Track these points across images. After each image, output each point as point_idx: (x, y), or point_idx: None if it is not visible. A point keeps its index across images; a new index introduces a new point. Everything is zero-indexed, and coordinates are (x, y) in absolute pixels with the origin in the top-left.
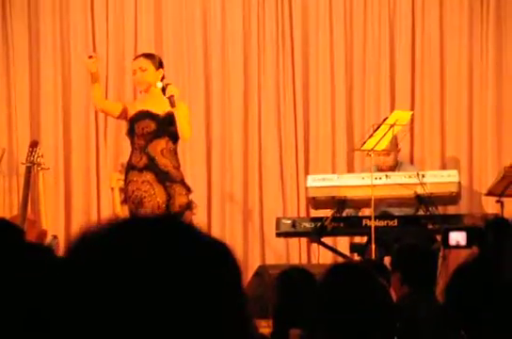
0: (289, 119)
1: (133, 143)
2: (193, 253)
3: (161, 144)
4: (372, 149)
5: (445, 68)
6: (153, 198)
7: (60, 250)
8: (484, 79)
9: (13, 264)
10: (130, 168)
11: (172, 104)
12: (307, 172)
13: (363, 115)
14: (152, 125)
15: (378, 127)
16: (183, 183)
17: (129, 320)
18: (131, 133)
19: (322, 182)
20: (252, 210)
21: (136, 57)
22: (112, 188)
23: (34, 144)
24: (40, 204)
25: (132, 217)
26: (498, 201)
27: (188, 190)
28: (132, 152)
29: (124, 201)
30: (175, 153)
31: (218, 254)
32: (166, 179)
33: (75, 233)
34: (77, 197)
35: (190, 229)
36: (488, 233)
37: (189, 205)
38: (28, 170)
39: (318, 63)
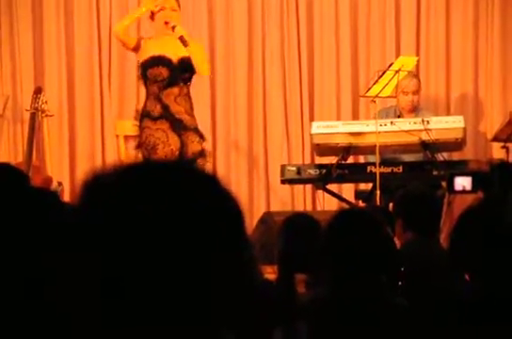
0: (293, 64)
1: (146, 89)
2: (196, 198)
3: (174, 92)
4: (376, 95)
5: (451, 13)
6: (167, 145)
7: (65, 196)
8: (489, 23)
9: (19, 208)
10: (145, 115)
11: (185, 44)
12: (311, 119)
13: (368, 61)
14: (164, 73)
15: (383, 73)
16: (196, 130)
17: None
18: (144, 78)
19: (326, 129)
20: (257, 157)
21: None
22: (117, 135)
23: (38, 91)
24: (44, 151)
25: (145, 160)
26: (503, 147)
27: (202, 138)
28: (146, 98)
29: (138, 147)
30: (189, 97)
31: (220, 198)
32: (180, 127)
33: (83, 177)
34: (82, 144)
35: (197, 174)
36: (493, 177)
37: (202, 153)
38: (33, 117)
39: (323, 9)
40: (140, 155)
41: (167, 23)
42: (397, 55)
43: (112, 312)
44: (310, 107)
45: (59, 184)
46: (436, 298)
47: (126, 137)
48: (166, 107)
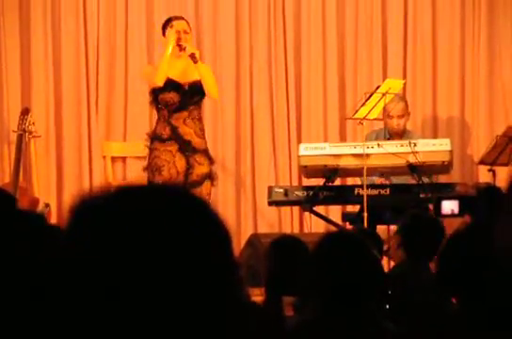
0: (281, 86)
1: (158, 113)
2: (181, 222)
3: (183, 114)
4: (364, 117)
5: (437, 35)
6: (172, 166)
7: (52, 217)
8: (476, 47)
9: (5, 231)
10: (155, 137)
11: (194, 60)
12: (299, 141)
13: (356, 83)
14: (175, 98)
15: (371, 96)
16: (205, 152)
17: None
18: (155, 103)
19: (314, 150)
20: (244, 179)
21: (179, 19)
22: (104, 157)
23: (25, 112)
24: (31, 172)
25: (133, 184)
26: (490, 170)
27: (210, 160)
28: (157, 122)
29: (145, 169)
30: (199, 120)
31: (208, 222)
32: (188, 149)
33: (71, 200)
34: (69, 165)
35: (186, 197)
36: (480, 201)
37: (210, 176)
38: (20, 138)
39: (310, 30)
40: (146, 177)
41: (179, 45)
42: (384, 77)
43: None
44: (297, 129)
45: (46, 205)
46: (422, 320)
47: (113, 158)
48: (174, 129)
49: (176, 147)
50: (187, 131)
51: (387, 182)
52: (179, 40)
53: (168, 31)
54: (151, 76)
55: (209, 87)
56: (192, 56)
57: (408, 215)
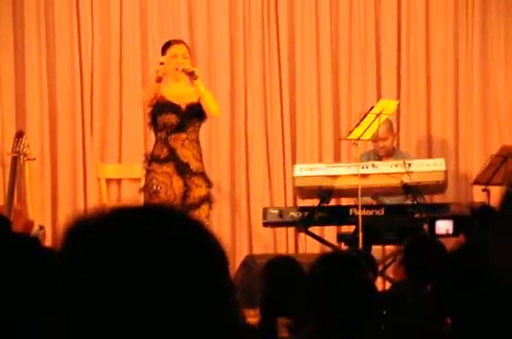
0: (275, 107)
1: (155, 135)
2: (177, 244)
3: (181, 137)
4: (358, 138)
5: (431, 57)
6: (170, 188)
7: (47, 240)
8: (469, 68)
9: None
10: (152, 159)
11: (194, 77)
12: (294, 162)
13: (350, 104)
14: (173, 120)
15: (365, 116)
16: (203, 175)
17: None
18: (153, 124)
19: (309, 171)
20: (239, 200)
21: (178, 42)
22: (99, 179)
23: (20, 134)
24: (26, 195)
25: (128, 206)
26: (484, 190)
27: (208, 183)
28: (155, 143)
29: (142, 191)
30: (197, 143)
31: (204, 244)
32: (185, 171)
33: (66, 222)
34: (64, 187)
35: (182, 219)
36: (474, 221)
37: (208, 198)
38: (14, 161)
39: (304, 50)
40: (142, 199)
41: (177, 69)
42: (378, 98)
43: None
44: (292, 150)
45: (41, 227)
46: None
47: (108, 180)
48: (172, 151)
49: (173, 169)
50: (185, 153)
51: (374, 203)
52: (176, 64)
53: (167, 57)
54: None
55: (209, 103)
56: (191, 73)
57: (412, 235)
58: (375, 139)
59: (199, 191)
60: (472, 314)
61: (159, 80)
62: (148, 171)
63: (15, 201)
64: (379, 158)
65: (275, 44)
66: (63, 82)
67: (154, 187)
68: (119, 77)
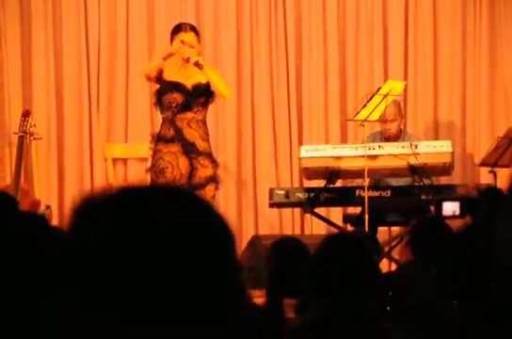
0: (282, 88)
1: (162, 114)
2: (184, 223)
3: (188, 116)
4: (365, 119)
5: (438, 37)
6: (176, 168)
7: (53, 219)
8: (477, 49)
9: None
10: (159, 139)
11: (200, 67)
12: (300, 143)
13: (357, 85)
14: (178, 99)
15: (372, 97)
16: (209, 155)
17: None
18: (159, 104)
19: (315, 152)
20: (246, 180)
21: (187, 30)
22: (105, 158)
23: (26, 114)
24: (32, 174)
25: (135, 185)
26: (491, 172)
27: (214, 163)
28: (162, 123)
29: (149, 170)
30: (203, 123)
31: (211, 224)
32: (191, 151)
33: (73, 201)
34: (70, 167)
35: (189, 198)
36: (481, 203)
37: (214, 178)
38: (21, 140)
39: (311, 33)
40: (148, 179)
41: (183, 58)
42: (385, 79)
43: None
44: (298, 131)
45: (47, 207)
46: (423, 322)
47: (114, 160)
48: (179, 131)
49: (179, 148)
50: (192, 133)
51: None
52: (182, 53)
53: (175, 42)
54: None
55: (221, 88)
56: (196, 64)
57: (418, 216)
58: (382, 120)
59: (205, 171)
60: (479, 295)
61: (167, 57)
62: (154, 151)
63: (22, 180)
64: (386, 140)
65: (282, 25)
66: (69, 62)
67: (161, 167)
68: (125, 57)
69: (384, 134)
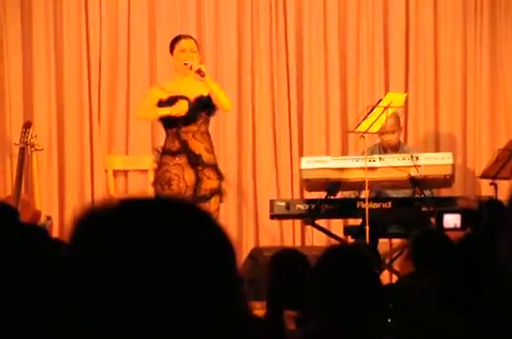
0: (283, 99)
1: (165, 128)
2: (185, 235)
3: (192, 129)
4: (366, 131)
5: (439, 50)
6: (181, 180)
7: (54, 231)
8: (478, 61)
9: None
10: (164, 152)
11: (202, 74)
12: (301, 154)
13: (357, 97)
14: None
15: (373, 109)
16: (215, 167)
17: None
18: (162, 119)
19: (316, 164)
20: (246, 192)
21: (186, 37)
22: (106, 170)
23: (27, 125)
24: (33, 185)
25: (137, 197)
26: (492, 184)
27: (219, 175)
28: (166, 137)
29: (153, 184)
30: (207, 135)
31: (212, 237)
32: (198, 163)
33: (74, 213)
34: (71, 178)
35: (190, 210)
36: (482, 215)
37: (218, 191)
38: (22, 151)
39: (312, 43)
40: (153, 191)
41: (186, 64)
42: (386, 91)
43: None
44: (299, 143)
45: (48, 218)
46: (424, 335)
47: (115, 172)
48: (184, 143)
49: (185, 160)
50: (197, 145)
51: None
52: (185, 59)
53: (175, 52)
54: (142, 107)
55: (221, 98)
56: (199, 71)
57: (419, 229)
58: (382, 132)
59: (210, 183)
60: (481, 308)
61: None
62: (160, 164)
63: (23, 191)
64: (384, 152)
65: (282, 37)
66: (71, 73)
67: (167, 179)
68: (126, 68)
69: (383, 145)
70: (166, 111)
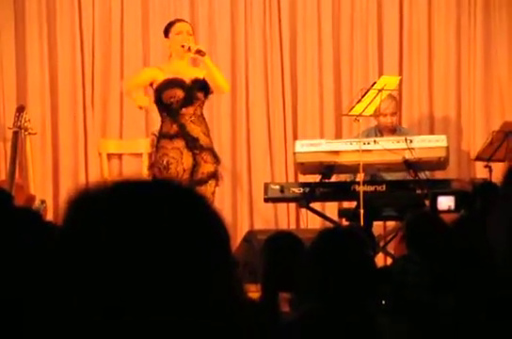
0: (276, 83)
1: (161, 112)
2: (180, 218)
3: (189, 111)
4: (360, 114)
5: (433, 32)
6: (179, 164)
7: (48, 214)
8: (472, 43)
9: (2, 228)
10: (162, 136)
11: (202, 53)
12: (295, 138)
13: (351, 80)
14: (179, 94)
15: (367, 92)
16: (211, 151)
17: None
18: (158, 102)
19: (310, 147)
20: (241, 175)
21: (181, 21)
22: (100, 154)
23: (21, 109)
24: (27, 169)
25: (131, 179)
26: (486, 166)
27: (216, 159)
28: (162, 121)
29: (150, 168)
30: (203, 118)
31: (206, 220)
32: (195, 146)
33: (68, 195)
34: (65, 162)
35: (185, 193)
36: (476, 197)
37: (215, 175)
38: (15, 135)
39: (306, 28)
40: (150, 175)
41: (183, 46)
42: (380, 74)
43: (109, 331)
44: (293, 126)
45: (42, 202)
46: (419, 315)
47: (109, 155)
48: (182, 126)
49: (183, 144)
50: (195, 129)
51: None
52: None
53: (171, 35)
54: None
55: (219, 80)
56: (198, 51)
57: (413, 211)
58: (380, 114)
59: (207, 167)
60: (475, 289)
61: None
62: (157, 148)
63: (17, 175)
64: (381, 135)
65: (276, 21)
66: (64, 56)
67: (165, 163)
68: (119, 52)
69: (383, 128)
70: (139, 100)
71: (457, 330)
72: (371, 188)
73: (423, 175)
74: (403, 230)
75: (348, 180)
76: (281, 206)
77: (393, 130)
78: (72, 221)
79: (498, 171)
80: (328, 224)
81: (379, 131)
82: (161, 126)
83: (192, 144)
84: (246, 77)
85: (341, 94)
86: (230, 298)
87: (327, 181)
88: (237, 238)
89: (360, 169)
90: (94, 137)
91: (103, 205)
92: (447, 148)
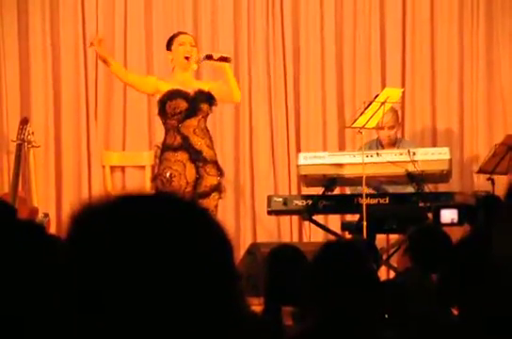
0: (280, 95)
1: (165, 123)
2: (182, 231)
3: (193, 123)
4: (363, 126)
5: (436, 44)
6: (182, 177)
7: (51, 227)
8: (475, 56)
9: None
10: (165, 148)
11: (228, 60)
12: (298, 150)
13: (354, 92)
14: (182, 105)
15: (369, 104)
16: (215, 164)
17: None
18: (162, 113)
19: (313, 159)
20: (244, 188)
21: (184, 33)
22: (103, 166)
23: (24, 121)
24: (30, 182)
25: (133, 193)
26: (489, 179)
27: (220, 172)
28: (166, 132)
29: (153, 180)
30: (207, 130)
31: (209, 233)
32: (199, 159)
33: (72, 209)
34: (68, 175)
35: (187, 206)
36: (479, 210)
37: (218, 187)
38: (19, 148)
39: (309, 39)
40: (153, 187)
41: (187, 58)
42: (383, 86)
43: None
44: (296, 138)
45: (45, 215)
46: (422, 330)
47: (112, 168)
48: (185, 138)
49: (187, 156)
50: (198, 141)
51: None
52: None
53: (173, 47)
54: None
55: (234, 88)
56: (224, 58)
57: (416, 224)
58: (379, 128)
59: (210, 180)
60: (478, 304)
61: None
62: (161, 160)
63: (20, 188)
64: (382, 147)
65: (279, 32)
66: (68, 69)
67: (168, 176)
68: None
69: (382, 141)
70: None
71: None
72: (374, 201)
73: (425, 188)
74: (406, 243)
75: (355, 192)
76: (284, 219)
77: (392, 144)
78: (75, 236)
79: (501, 184)
80: (331, 237)
81: (380, 144)
82: (165, 138)
83: (195, 157)
84: (249, 90)
85: (344, 106)
86: (232, 310)
87: (329, 193)
88: (240, 251)
89: (363, 182)
90: (97, 150)
91: (105, 220)
92: (450, 160)
